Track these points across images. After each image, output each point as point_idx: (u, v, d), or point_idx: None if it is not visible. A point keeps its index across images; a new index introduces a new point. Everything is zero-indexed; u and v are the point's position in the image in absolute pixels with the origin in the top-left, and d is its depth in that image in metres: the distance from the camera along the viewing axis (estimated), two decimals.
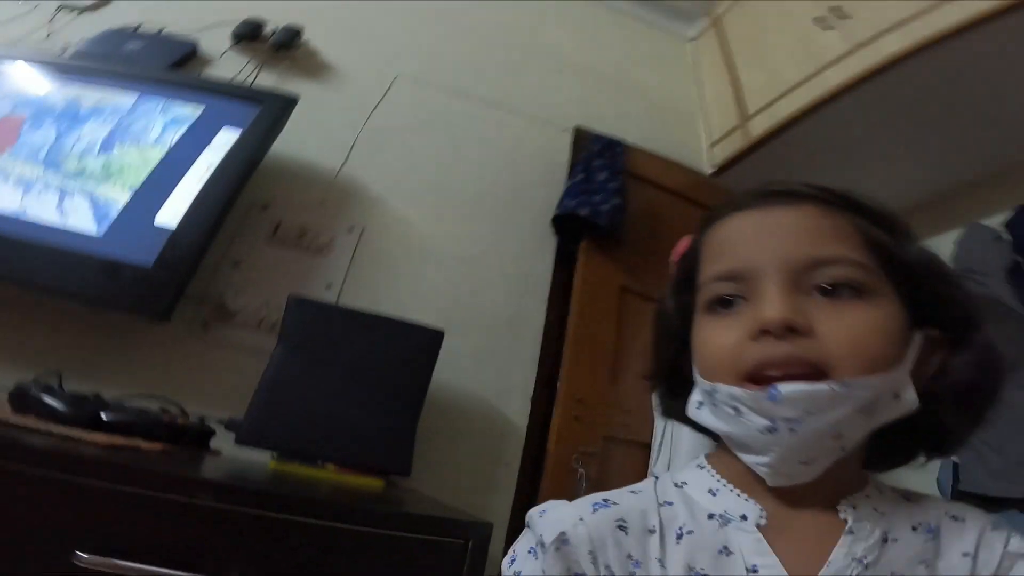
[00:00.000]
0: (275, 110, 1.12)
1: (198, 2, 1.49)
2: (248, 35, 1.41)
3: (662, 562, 0.36)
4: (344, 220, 1.12)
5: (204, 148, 1.04)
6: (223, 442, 0.84)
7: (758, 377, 0.34)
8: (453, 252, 1.19)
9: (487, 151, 1.36)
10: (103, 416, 0.74)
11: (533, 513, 0.39)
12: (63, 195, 0.94)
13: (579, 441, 1.08)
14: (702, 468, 0.41)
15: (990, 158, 1.30)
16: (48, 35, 1.36)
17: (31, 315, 0.92)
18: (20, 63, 1.16)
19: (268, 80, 1.34)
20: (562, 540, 0.36)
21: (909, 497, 0.39)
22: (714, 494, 0.39)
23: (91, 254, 0.89)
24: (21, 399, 0.81)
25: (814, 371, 0.33)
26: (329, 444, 0.83)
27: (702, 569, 0.35)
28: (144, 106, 1.08)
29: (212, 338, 0.97)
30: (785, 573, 0.34)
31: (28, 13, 1.42)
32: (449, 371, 0.93)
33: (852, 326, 0.34)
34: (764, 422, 0.34)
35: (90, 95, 1.08)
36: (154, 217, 0.94)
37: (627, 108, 1.61)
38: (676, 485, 0.41)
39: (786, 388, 0.33)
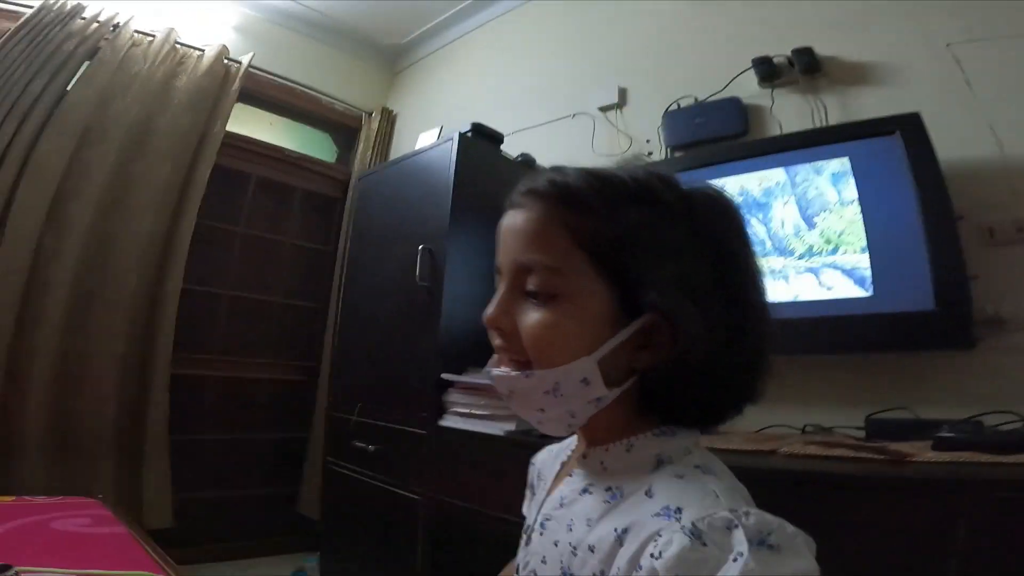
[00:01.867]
0: (910, 131, 1.19)
1: (674, 68, 1.74)
2: (769, 75, 1.51)
3: (544, 473, 0.57)
4: None
5: (885, 190, 1.17)
6: None
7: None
8: None
9: None
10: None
11: None
12: (815, 272, 1.20)
13: None
14: None
15: None
16: (628, 140, 1.79)
17: (851, 369, 1.22)
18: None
19: (832, 102, 1.43)
20: (531, 462, 0.61)
21: (662, 463, 0.42)
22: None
23: (874, 313, 1.12)
24: (879, 428, 1.07)
25: (525, 361, 0.44)
26: None
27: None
28: (796, 176, 1.28)
29: (983, 350, 1.09)
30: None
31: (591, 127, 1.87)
32: None
33: (533, 329, 0.43)
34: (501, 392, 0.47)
35: (748, 181, 1.34)
36: (904, 266, 1.11)
37: None
38: None
39: (493, 371, 0.46)
